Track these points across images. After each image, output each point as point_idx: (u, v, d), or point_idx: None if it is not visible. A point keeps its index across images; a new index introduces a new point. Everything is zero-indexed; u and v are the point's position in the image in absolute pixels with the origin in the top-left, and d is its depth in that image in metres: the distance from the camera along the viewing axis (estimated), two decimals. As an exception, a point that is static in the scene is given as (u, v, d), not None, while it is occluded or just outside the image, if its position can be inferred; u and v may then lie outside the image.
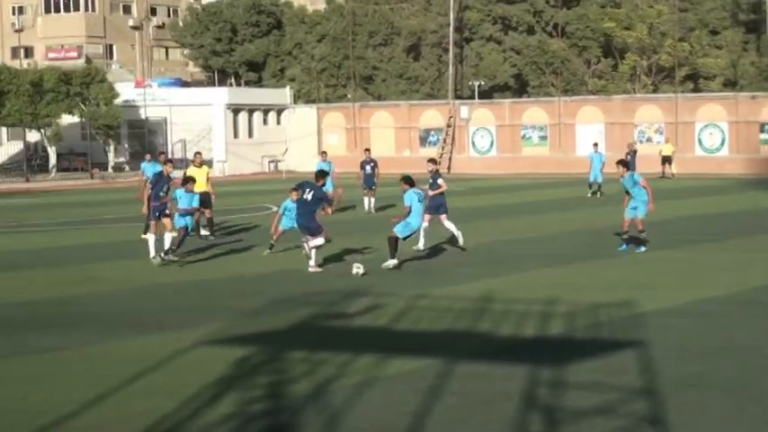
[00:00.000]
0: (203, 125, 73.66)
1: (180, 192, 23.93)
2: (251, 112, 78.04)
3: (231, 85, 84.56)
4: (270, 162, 77.48)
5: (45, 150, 73.80)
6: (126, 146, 75.98)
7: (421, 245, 24.79)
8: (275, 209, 40.69)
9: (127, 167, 73.14)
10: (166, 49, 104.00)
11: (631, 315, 16.07)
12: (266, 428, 10.41)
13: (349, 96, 79.13)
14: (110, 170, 71.34)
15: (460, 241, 24.80)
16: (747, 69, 68.90)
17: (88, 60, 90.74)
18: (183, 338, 14.83)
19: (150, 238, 23.93)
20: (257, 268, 22.83)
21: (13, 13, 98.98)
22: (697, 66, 70.94)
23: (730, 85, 69.82)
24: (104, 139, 72.04)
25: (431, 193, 25.23)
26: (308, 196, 22.16)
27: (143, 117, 75.02)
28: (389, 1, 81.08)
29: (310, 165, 76.23)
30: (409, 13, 79.57)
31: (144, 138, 75.09)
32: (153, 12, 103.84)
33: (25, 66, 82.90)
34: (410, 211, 22.14)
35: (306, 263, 22.02)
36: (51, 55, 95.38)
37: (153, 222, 24.00)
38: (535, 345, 14.25)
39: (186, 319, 16.57)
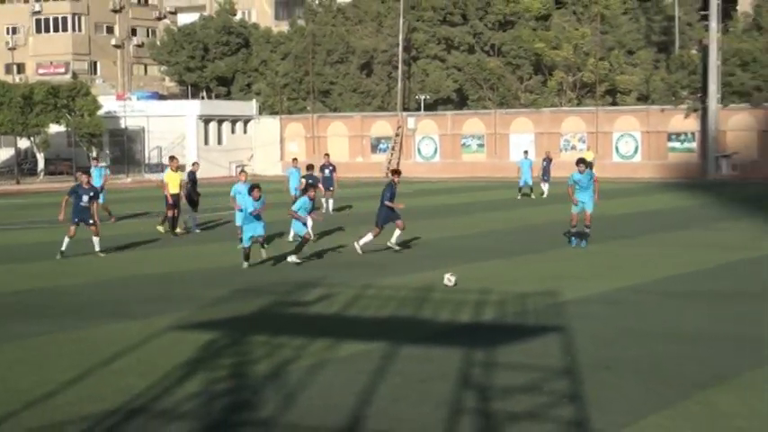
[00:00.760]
0: (177, 133, 73.56)
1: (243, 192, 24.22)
2: (220, 122, 77.93)
3: (203, 97, 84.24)
4: (237, 167, 77.15)
5: (34, 156, 73.89)
6: (107, 152, 75.70)
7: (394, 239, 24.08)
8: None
9: (108, 171, 72.67)
10: (145, 65, 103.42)
11: (554, 303, 16.13)
12: (229, 405, 10.32)
13: (308, 108, 79.00)
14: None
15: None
16: (658, 85, 69.45)
17: (74, 76, 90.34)
18: (153, 325, 14.69)
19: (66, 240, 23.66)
20: (222, 261, 22.69)
21: (7, 33, 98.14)
22: (615, 82, 71.42)
23: (643, 99, 70.35)
24: (88, 146, 71.70)
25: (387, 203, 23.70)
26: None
27: (123, 126, 74.73)
28: (345, 23, 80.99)
29: (274, 169, 76.45)
30: (363, 35, 79.49)
31: (124, 145, 74.85)
32: (133, 32, 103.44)
33: (17, 80, 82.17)
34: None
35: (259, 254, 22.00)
36: (41, 71, 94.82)
37: (72, 227, 23.76)
38: (469, 330, 14.25)
39: (157, 307, 16.41)
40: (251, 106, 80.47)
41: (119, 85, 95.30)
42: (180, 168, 30.21)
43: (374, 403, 10.25)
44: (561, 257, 22.68)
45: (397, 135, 75.05)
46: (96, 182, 31.85)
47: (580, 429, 9.24)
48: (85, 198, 23.91)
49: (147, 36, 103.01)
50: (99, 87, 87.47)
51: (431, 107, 76.20)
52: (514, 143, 70.39)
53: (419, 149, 75.51)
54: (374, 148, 76.80)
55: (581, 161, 25.19)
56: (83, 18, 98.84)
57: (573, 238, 24.91)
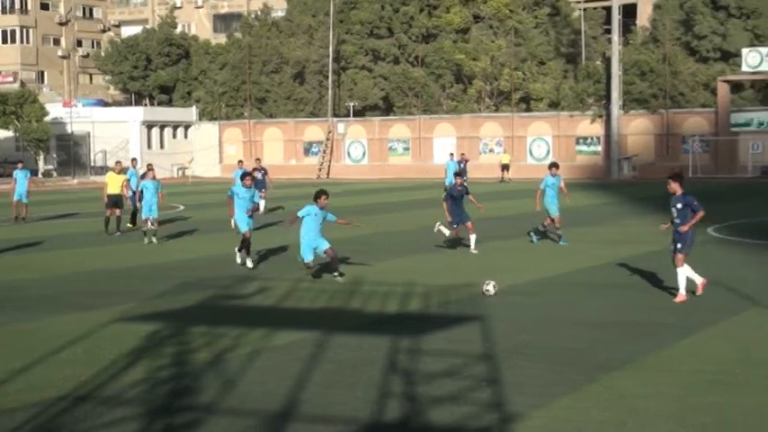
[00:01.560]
0: (121, 138, 72.77)
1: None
2: (162, 127, 77.23)
3: (146, 105, 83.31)
4: (178, 169, 76.55)
5: (-15, 160, 72.22)
6: (54, 156, 74.65)
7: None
8: (182, 207, 40.23)
9: (55, 174, 71.83)
10: (90, 75, 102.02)
11: (476, 294, 16.18)
12: (171, 391, 10.19)
13: (245, 115, 78.54)
14: (40, 176, 69.89)
15: None
16: (567, 93, 70.32)
17: (23, 84, 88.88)
18: (100, 317, 14.46)
19: None
20: (165, 257, 22.44)
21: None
22: (528, 90, 72.17)
23: (554, 106, 71.17)
24: (35, 150, 70.62)
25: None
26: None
27: (69, 132, 73.65)
28: (279, 36, 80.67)
29: (213, 171, 75.86)
30: (295, 46, 79.22)
31: (70, 149, 73.81)
32: (79, 44, 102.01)
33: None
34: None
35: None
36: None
37: None
38: (397, 319, 14.25)
39: (102, 300, 16.15)
40: (191, 113, 79.83)
41: (65, 93, 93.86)
42: (123, 171, 30.00)
43: (308, 388, 10.20)
44: (485, 251, 22.79)
45: (328, 139, 74.97)
46: (21, 183, 33.31)
47: (498, 411, 9.28)
48: None
49: (93, 47, 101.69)
50: (46, 95, 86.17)
51: (359, 113, 76.24)
52: (438, 146, 70.78)
53: (349, 153, 75.49)
54: (307, 151, 76.65)
55: (554, 165, 24.68)
56: (30, 30, 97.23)
57: (534, 235, 24.31)
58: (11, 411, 9.43)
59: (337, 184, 61.03)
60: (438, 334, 12.96)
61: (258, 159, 40.30)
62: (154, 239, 25.62)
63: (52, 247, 24.92)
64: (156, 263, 21.57)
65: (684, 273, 15.25)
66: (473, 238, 22.59)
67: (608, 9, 70.37)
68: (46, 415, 9.35)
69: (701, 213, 15.26)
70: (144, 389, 10.27)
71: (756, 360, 11.26)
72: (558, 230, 24.17)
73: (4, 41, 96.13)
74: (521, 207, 37.16)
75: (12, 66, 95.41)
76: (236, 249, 20.62)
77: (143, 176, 28.17)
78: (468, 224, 22.65)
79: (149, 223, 25.73)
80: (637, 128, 67.32)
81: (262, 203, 36.00)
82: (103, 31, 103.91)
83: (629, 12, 77.66)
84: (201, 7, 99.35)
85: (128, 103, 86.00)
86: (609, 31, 68.92)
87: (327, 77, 75.93)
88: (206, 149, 78.26)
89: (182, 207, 40.85)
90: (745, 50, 63.68)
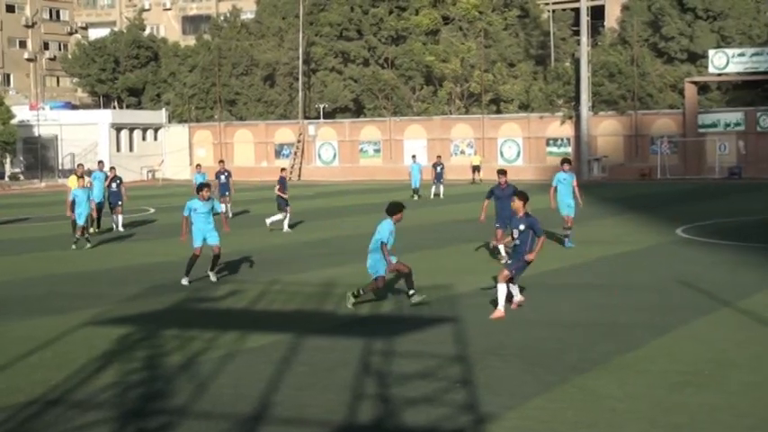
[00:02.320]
0: (90, 141, 72.24)
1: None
2: (131, 130, 76.76)
3: (114, 107, 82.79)
4: (148, 172, 76.17)
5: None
6: (21, 159, 74.04)
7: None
8: (152, 210, 40.02)
9: (22, 177, 71.31)
10: (57, 77, 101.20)
11: (448, 296, 16.22)
12: (143, 395, 10.12)
13: (216, 117, 78.27)
14: (6, 179, 69.38)
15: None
16: (537, 95, 70.60)
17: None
18: (70, 320, 14.35)
19: None
20: (134, 260, 22.29)
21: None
22: (498, 92, 72.37)
23: (524, 107, 71.42)
24: (2, 154, 69.95)
25: None
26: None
27: (37, 134, 73.04)
28: (249, 38, 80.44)
29: (184, 174, 75.47)
30: (266, 48, 79.02)
31: (38, 152, 73.22)
32: (46, 46, 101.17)
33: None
34: None
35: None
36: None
37: None
38: (370, 321, 14.25)
39: (72, 303, 16.02)
40: (161, 115, 79.43)
41: (32, 96, 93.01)
42: (85, 174, 29.49)
43: (282, 391, 10.17)
44: (456, 253, 22.84)
45: (298, 141, 74.85)
46: None
47: (472, 412, 9.29)
48: None
49: (60, 50, 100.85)
50: (12, 98, 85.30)
51: (330, 115, 76.16)
52: (408, 148, 70.80)
53: (319, 154, 75.40)
54: (278, 153, 76.46)
55: (566, 161, 23.21)
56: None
57: (567, 240, 23.20)
58: (-20, 417, 9.33)
59: (309, 186, 60.97)
60: (411, 335, 12.96)
61: (222, 161, 38.66)
62: (87, 245, 25.11)
63: (17, 251, 24.69)
64: (126, 266, 21.43)
65: (503, 290, 14.20)
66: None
67: (576, 11, 70.77)
68: (15, 420, 9.25)
69: (542, 239, 14.45)
70: (115, 392, 10.20)
71: (728, 360, 11.35)
72: (567, 231, 23.34)
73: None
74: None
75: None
76: (208, 269, 18.62)
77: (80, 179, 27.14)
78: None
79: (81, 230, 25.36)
80: (606, 129, 67.74)
81: (223, 207, 34.43)
82: (71, 33, 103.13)
83: (598, 13, 78.17)
84: (170, 9, 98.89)
85: (96, 105, 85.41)
86: (578, 33, 69.31)
87: (297, 79, 75.80)
88: (176, 152, 77.91)
89: (152, 210, 40.64)
90: (711, 52, 64.25)
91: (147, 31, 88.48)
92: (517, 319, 14.04)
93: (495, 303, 14.33)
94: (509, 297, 14.53)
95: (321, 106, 75.30)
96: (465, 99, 74.09)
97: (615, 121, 67.68)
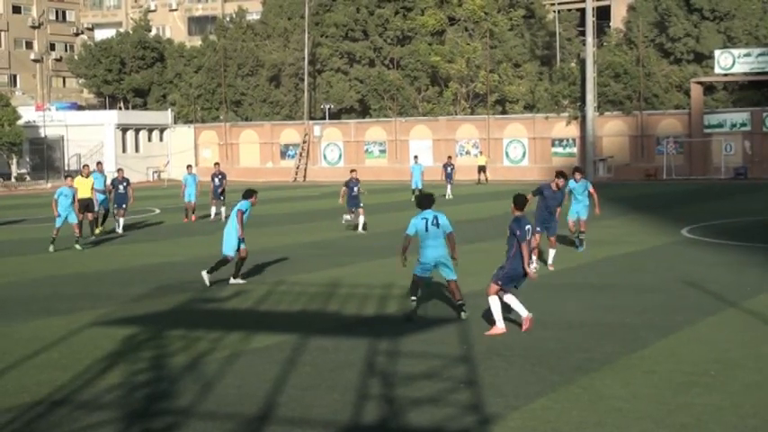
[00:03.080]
0: (96, 142, 72.32)
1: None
2: (137, 130, 76.83)
3: (120, 108, 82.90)
4: (154, 172, 76.25)
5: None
6: (27, 159, 74.15)
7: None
8: (157, 211, 40.05)
9: (28, 178, 71.44)
10: (64, 78, 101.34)
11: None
12: (149, 395, 10.14)
13: (221, 117, 78.30)
14: (13, 180, 69.51)
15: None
16: (542, 95, 70.54)
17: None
18: (75, 321, 14.37)
19: None
20: (140, 261, 22.31)
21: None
22: (504, 92, 72.32)
23: (529, 108, 71.37)
24: (8, 154, 70.08)
25: None
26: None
27: (43, 135, 73.16)
28: (254, 39, 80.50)
29: (188, 175, 75.38)
30: (271, 49, 79.08)
31: (44, 153, 73.32)
32: (52, 47, 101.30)
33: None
34: None
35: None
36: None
37: None
38: (374, 321, 14.25)
39: (78, 304, 16.04)
40: (166, 116, 79.49)
41: (38, 97, 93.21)
42: (90, 175, 29.51)
43: (286, 391, 10.18)
44: (461, 253, 22.75)
45: (304, 142, 74.84)
46: None
47: (476, 413, 9.30)
48: None
49: (66, 51, 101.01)
50: (19, 99, 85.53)
51: (335, 116, 76.18)
52: (414, 149, 70.74)
53: (325, 155, 75.40)
54: (283, 154, 76.48)
55: (577, 170, 22.77)
56: (2, 34, 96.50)
57: (578, 243, 22.88)
58: (-14, 417, 9.36)
59: (315, 186, 61.01)
60: (416, 336, 12.96)
61: (217, 164, 37.38)
62: (77, 246, 25.16)
63: (24, 252, 24.73)
64: (132, 266, 21.46)
65: (496, 304, 13.20)
66: (552, 252, 20.06)
67: (582, 11, 70.67)
68: (21, 420, 9.28)
69: (525, 245, 13.15)
70: (121, 393, 10.22)
71: (733, 361, 11.34)
72: (580, 235, 22.90)
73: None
74: (498, 208, 37.20)
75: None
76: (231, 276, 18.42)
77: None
78: (552, 238, 19.95)
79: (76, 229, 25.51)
80: (612, 129, 67.66)
81: (222, 209, 33.71)
82: (77, 34, 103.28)
83: (604, 14, 78.07)
84: (176, 10, 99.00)
85: (102, 106, 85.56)
86: (583, 33, 69.22)
87: (303, 80, 75.81)
88: (182, 152, 77.91)
89: (157, 210, 40.71)
90: (717, 52, 64.16)
91: (153, 32, 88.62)
92: (519, 319, 14.00)
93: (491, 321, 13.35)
94: (508, 308, 13.58)
95: (326, 107, 75.33)
96: (470, 99, 74.05)
97: (621, 121, 67.60)
